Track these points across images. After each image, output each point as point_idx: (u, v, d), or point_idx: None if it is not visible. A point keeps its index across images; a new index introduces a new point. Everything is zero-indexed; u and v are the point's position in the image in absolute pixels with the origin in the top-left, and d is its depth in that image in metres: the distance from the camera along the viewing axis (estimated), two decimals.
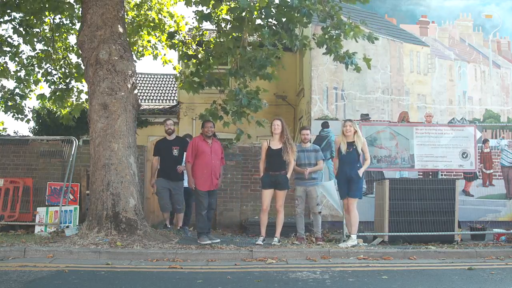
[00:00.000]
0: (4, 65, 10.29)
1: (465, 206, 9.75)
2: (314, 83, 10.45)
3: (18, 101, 10.32)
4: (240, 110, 7.96)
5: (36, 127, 16.09)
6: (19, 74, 10.44)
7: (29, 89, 10.55)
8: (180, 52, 9.74)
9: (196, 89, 8.52)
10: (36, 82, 10.55)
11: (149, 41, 11.33)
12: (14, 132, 11.91)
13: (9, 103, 10.26)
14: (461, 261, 6.46)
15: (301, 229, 7.54)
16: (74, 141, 8.67)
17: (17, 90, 10.43)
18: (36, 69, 10.63)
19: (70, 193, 8.71)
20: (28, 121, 10.61)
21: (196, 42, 10.26)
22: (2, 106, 10.39)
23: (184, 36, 10.60)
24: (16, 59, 10.35)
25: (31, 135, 15.53)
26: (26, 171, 9.34)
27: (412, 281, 5.20)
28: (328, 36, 7.53)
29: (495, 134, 10.60)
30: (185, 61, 8.88)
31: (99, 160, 7.30)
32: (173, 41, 9.96)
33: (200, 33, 10.20)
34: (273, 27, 7.50)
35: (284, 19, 7.34)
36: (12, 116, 10.37)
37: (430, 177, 9.41)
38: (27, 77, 10.45)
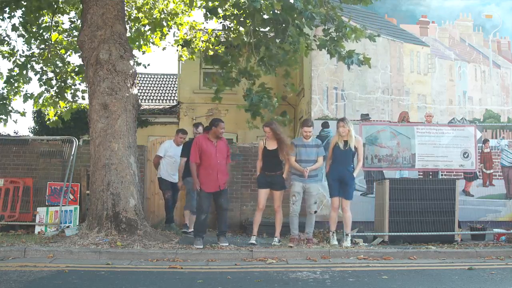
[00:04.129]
0: None
1: (465, 206, 9.72)
2: (314, 83, 10.44)
3: (4, 102, 9.79)
4: (254, 109, 7.71)
5: (36, 127, 16.10)
6: (12, 73, 9.90)
7: (15, 90, 10.01)
8: (203, 59, 9.35)
9: (233, 83, 8.19)
10: (28, 81, 9.98)
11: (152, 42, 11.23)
12: (14, 132, 11.90)
13: None
14: (461, 261, 6.46)
15: (295, 229, 7.17)
16: (74, 141, 8.69)
17: (3, 92, 9.88)
18: (33, 68, 10.22)
19: (70, 193, 8.72)
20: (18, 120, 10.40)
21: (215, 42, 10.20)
22: None
23: (199, 40, 10.49)
24: (12, 58, 10.02)
25: (31, 135, 15.53)
26: (26, 171, 9.32)
27: (412, 281, 5.20)
28: (329, 38, 7.50)
29: (495, 134, 10.58)
30: (205, 63, 8.76)
31: (99, 160, 7.31)
32: (191, 47, 10.00)
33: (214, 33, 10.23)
34: (282, 24, 7.42)
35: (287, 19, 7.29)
36: None
37: (430, 177, 9.40)
38: (18, 77, 9.88)
